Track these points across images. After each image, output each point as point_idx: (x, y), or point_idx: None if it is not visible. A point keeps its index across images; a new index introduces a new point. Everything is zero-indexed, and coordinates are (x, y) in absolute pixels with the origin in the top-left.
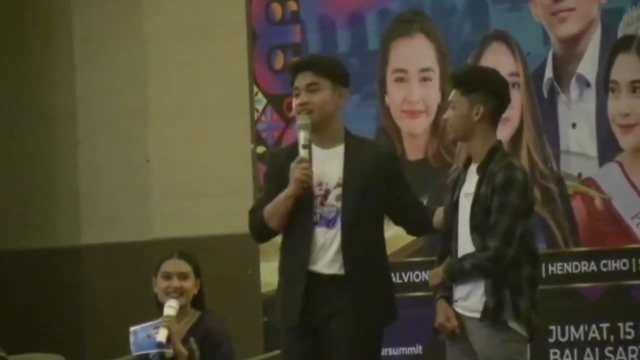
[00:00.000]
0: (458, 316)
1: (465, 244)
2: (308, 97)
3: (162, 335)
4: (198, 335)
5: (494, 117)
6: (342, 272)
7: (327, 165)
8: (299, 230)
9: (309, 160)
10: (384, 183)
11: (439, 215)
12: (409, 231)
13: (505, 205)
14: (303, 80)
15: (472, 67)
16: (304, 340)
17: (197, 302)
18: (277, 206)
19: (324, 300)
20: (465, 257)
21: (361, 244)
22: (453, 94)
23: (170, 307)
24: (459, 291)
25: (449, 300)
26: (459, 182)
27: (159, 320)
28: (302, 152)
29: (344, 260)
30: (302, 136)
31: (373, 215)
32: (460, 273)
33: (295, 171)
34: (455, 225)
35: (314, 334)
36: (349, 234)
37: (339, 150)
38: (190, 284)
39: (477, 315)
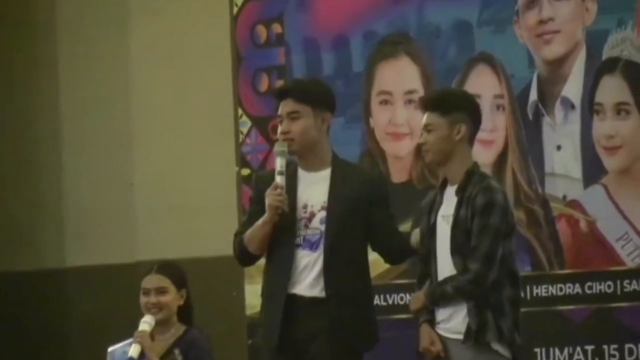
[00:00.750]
0: (441, 339)
1: (444, 267)
2: (289, 125)
3: (133, 350)
4: (182, 348)
5: (471, 137)
6: (323, 295)
7: (313, 188)
8: (281, 252)
9: (284, 187)
10: (368, 207)
11: (415, 236)
12: (386, 259)
13: (486, 227)
14: (284, 107)
15: (445, 89)
16: None
17: (184, 314)
18: (255, 231)
19: (304, 323)
20: (446, 280)
21: (343, 267)
22: (428, 117)
23: (145, 323)
24: (441, 313)
25: (432, 324)
26: (435, 205)
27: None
28: (277, 179)
29: (325, 283)
30: (278, 162)
31: (357, 238)
32: (441, 296)
33: (269, 198)
34: (434, 248)
35: (293, 356)
36: (331, 257)
37: (325, 174)
38: (169, 298)
39: (460, 337)
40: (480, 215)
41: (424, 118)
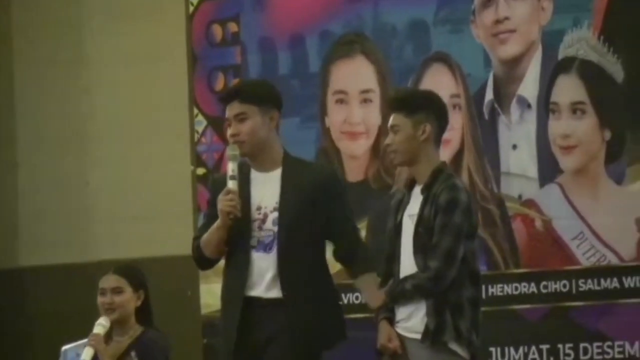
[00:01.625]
0: (400, 337)
1: (407, 266)
2: (237, 127)
3: (86, 354)
4: (139, 351)
5: (437, 137)
6: (279, 296)
7: (266, 189)
8: (237, 255)
9: (236, 192)
10: (322, 205)
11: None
12: (336, 259)
13: (448, 225)
14: (231, 110)
15: (411, 89)
16: None
17: (142, 316)
18: (210, 236)
19: (261, 325)
20: (407, 278)
21: (299, 267)
22: (394, 117)
23: (99, 325)
24: (401, 312)
25: (391, 321)
26: (402, 204)
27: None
28: (229, 184)
29: (282, 284)
30: (230, 167)
31: (311, 237)
32: (401, 294)
33: (220, 203)
34: (398, 247)
35: (252, 357)
36: (285, 259)
37: (276, 174)
38: (124, 298)
39: (418, 336)
40: (443, 213)
41: (390, 119)
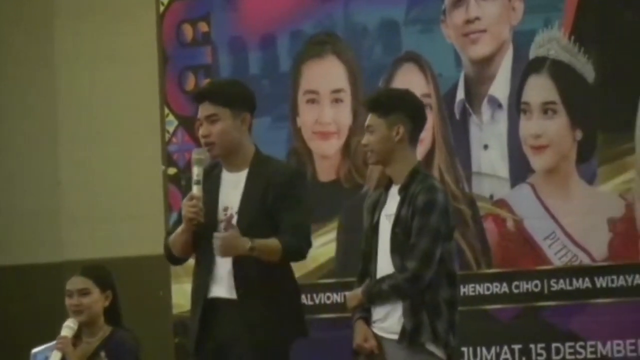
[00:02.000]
0: (376, 337)
1: (384, 266)
2: (208, 128)
3: (54, 357)
4: (108, 351)
5: (413, 137)
6: (234, 297)
7: (233, 190)
8: (203, 256)
9: (200, 198)
10: (275, 201)
11: (350, 300)
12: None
13: (426, 227)
14: (203, 111)
15: (387, 90)
16: None
17: (111, 316)
18: (175, 237)
19: (221, 326)
20: (384, 278)
21: (253, 267)
22: (370, 118)
23: (67, 327)
24: (377, 313)
25: (367, 321)
26: (379, 204)
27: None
28: (194, 189)
29: (235, 284)
30: (195, 172)
31: (270, 237)
32: (378, 295)
33: (183, 208)
34: (375, 247)
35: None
36: (239, 259)
37: (243, 175)
38: (91, 300)
39: (395, 337)
40: (421, 214)
41: (367, 119)
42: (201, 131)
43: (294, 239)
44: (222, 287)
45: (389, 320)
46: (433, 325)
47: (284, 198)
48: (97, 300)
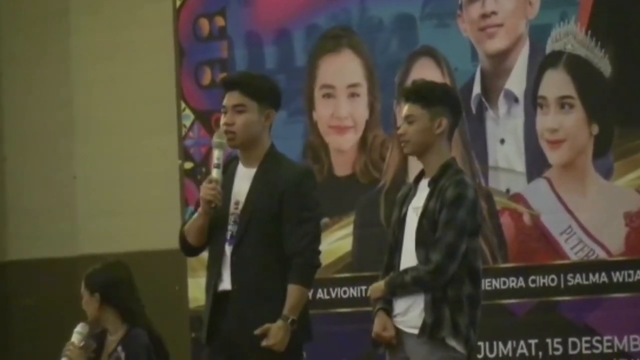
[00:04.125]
0: (397, 330)
1: (408, 258)
2: (233, 117)
3: None
4: (124, 347)
5: (451, 131)
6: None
7: (245, 185)
8: (214, 248)
9: (219, 181)
10: (280, 202)
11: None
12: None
13: (453, 220)
14: (230, 99)
15: (427, 82)
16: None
17: (125, 314)
18: (192, 223)
19: (230, 319)
20: (407, 270)
21: (250, 262)
22: (410, 108)
23: (77, 334)
24: (399, 306)
25: (388, 312)
26: (408, 197)
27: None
28: (213, 172)
29: (232, 277)
30: (215, 155)
31: (270, 235)
32: (400, 286)
33: (202, 190)
34: (401, 240)
35: (226, 350)
36: (237, 252)
37: (255, 171)
38: (84, 302)
39: (415, 331)
40: (449, 208)
41: (405, 109)
42: (225, 119)
43: (304, 252)
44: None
45: (409, 314)
46: (454, 320)
47: (293, 198)
48: (87, 302)
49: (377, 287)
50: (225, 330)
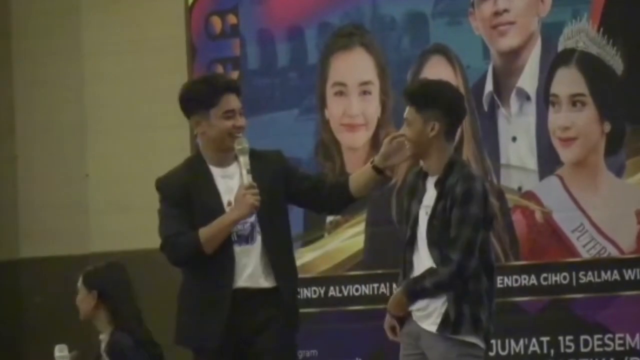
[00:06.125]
0: (415, 326)
1: (423, 258)
2: (243, 120)
3: None
4: (108, 350)
5: (449, 132)
6: (269, 285)
7: (229, 184)
8: (218, 251)
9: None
10: (284, 185)
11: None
12: (330, 205)
13: (466, 217)
14: (236, 102)
15: (425, 83)
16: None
17: (113, 316)
18: (220, 232)
19: (251, 315)
20: (425, 275)
21: (282, 255)
22: (408, 111)
23: (58, 357)
24: (419, 302)
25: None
26: (417, 192)
27: None
28: (248, 178)
29: (271, 272)
30: (243, 161)
31: (284, 224)
32: (422, 293)
33: (248, 197)
34: (416, 238)
35: (235, 352)
36: (271, 248)
37: (234, 167)
38: (78, 299)
39: (434, 327)
40: (460, 205)
41: (406, 111)
42: (239, 122)
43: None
44: (242, 278)
45: (429, 310)
46: (475, 316)
47: (289, 172)
48: (83, 299)
49: (398, 301)
50: (243, 326)
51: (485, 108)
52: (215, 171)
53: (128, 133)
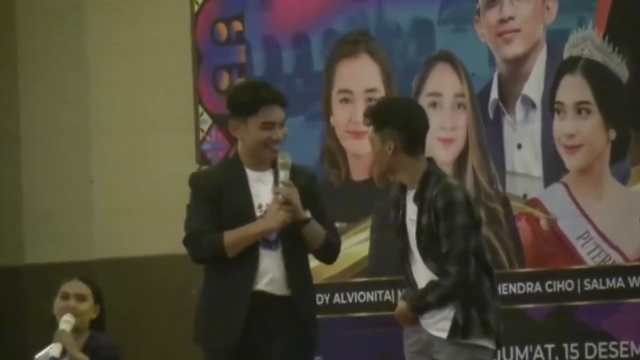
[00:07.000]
0: (425, 332)
1: (419, 268)
2: (280, 132)
3: (54, 349)
4: (88, 351)
5: (409, 148)
6: (287, 293)
7: (264, 188)
8: (243, 253)
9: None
10: (308, 203)
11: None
12: (316, 256)
13: (454, 229)
14: (279, 114)
15: (380, 102)
16: None
17: (96, 327)
18: (246, 239)
19: (266, 321)
20: (427, 290)
21: (300, 265)
22: (369, 131)
23: (65, 322)
24: None
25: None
26: (400, 205)
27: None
28: (285, 192)
29: (290, 281)
30: (282, 175)
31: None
32: (426, 307)
33: (280, 214)
34: (408, 248)
35: (250, 356)
36: (290, 256)
37: (268, 173)
38: (86, 306)
39: (444, 334)
40: (444, 218)
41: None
42: (278, 134)
43: (335, 239)
44: (263, 282)
45: (437, 316)
46: (483, 319)
47: (314, 199)
48: (89, 309)
49: (405, 315)
50: (258, 330)
51: (491, 115)
52: (251, 174)
53: (133, 139)
